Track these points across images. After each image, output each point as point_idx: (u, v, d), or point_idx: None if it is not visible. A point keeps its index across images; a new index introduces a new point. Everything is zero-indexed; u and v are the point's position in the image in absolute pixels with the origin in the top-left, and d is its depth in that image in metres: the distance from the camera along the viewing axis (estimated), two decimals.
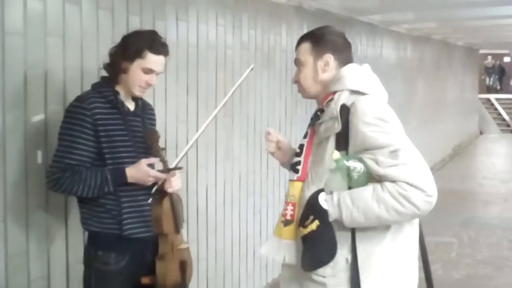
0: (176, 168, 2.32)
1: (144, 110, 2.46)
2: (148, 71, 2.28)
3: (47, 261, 2.48)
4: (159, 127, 3.14)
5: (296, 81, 2.04)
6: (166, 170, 2.29)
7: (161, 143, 2.39)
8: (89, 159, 2.22)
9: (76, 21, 2.60)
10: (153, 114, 2.56)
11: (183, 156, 2.40)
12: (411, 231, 1.91)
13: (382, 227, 1.83)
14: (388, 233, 1.85)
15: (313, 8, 5.09)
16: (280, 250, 1.95)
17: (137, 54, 2.25)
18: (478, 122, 15.57)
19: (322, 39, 1.99)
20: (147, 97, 2.93)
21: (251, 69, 2.32)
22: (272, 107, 4.45)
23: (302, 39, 2.03)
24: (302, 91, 2.04)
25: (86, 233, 2.40)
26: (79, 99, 2.26)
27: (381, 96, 1.94)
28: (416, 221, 1.94)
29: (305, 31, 4.98)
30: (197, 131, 3.32)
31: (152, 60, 2.28)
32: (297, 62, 2.03)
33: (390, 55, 7.56)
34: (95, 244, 2.31)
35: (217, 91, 3.67)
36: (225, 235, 3.88)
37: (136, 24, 2.93)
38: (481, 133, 15.81)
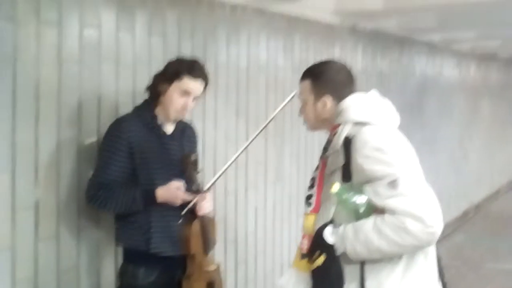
0: (203, 191, 2.37)
1: (184, 133, 2.52)
2: (184, 93, 2.36)
3: (97, 277, 2.59)
4: (209, 148, 3.24)
5: (301, 114, 2.08)
6: (195, 192, 2.35)
7: (198, 166, 2.43)
8: (123, 177, 2.33)
9: (129, 48, 2.72)
10: (194, 136, 2.62)
11: (217, 179, 2.46)
12: (425, 263, 1.84)
13: (392, 259, 1.79)
14: (399, 265, 1.80)
15: (368, 29, 5.06)
16: (299, 283, 1.94)
17: (175, 76, 2.35)
18: None
19: (321, 78, 2.00)
20: (197, 119, 3.03)
21: (294, 96, 2.29)
22: None
23: (303, 76, 2.06)
24: (307, 125, 2.09)
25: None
26: (116, 121, 2.39)
27: (388, 124, 1.91)
28: (431, 252, 1.87)
29: (360, 52, 5.05)
30: (247, 153, 3.39)
31: (189, 83, 2.36)
32: (300, 97, 2.07)
33: (451, 74, 7.37)
34: (127, 259, 2.42)
35: (267, 113, 3.71)
36: (274, 257, 3.89)
37: (187, 49, 3.03)
38: None
